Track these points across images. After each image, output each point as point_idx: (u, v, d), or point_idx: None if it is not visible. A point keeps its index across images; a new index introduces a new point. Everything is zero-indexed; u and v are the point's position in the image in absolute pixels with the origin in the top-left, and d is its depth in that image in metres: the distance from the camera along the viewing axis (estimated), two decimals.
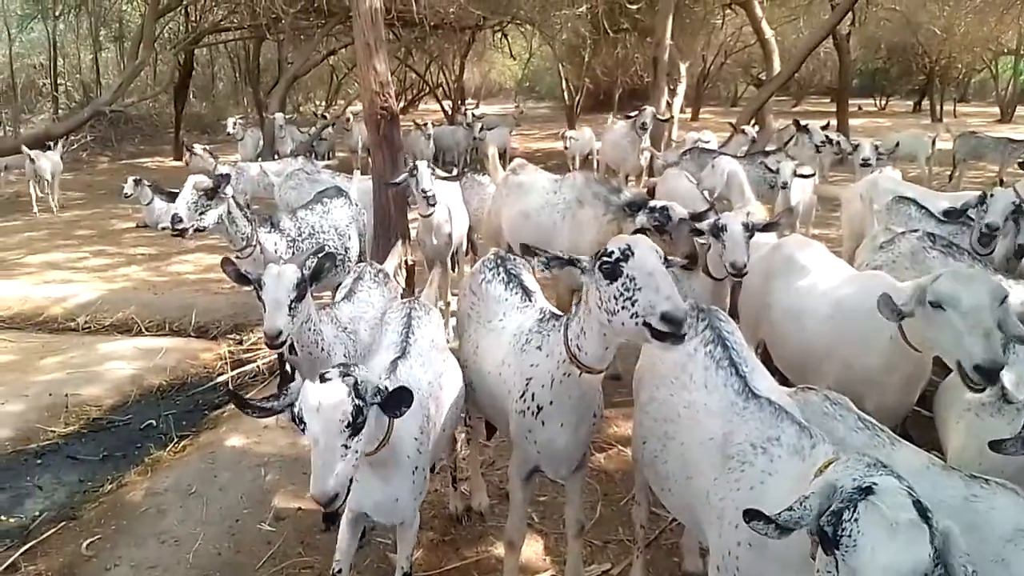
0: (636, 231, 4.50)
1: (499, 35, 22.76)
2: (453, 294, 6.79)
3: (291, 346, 3.75)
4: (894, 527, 1.69)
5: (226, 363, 6.49)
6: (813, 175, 8.26)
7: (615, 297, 2.49)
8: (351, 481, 2.41)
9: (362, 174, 9.18)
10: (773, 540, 2.16)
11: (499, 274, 3.71)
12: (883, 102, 34.91)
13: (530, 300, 3.53)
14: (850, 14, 18.53)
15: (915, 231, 4.59)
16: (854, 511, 1.73)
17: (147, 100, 21.57)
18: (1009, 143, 13.36)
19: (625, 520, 4.11)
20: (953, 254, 4.33)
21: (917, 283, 3.11)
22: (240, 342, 7.05)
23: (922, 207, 5.73)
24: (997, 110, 28.33)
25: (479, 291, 3.72)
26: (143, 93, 21.33)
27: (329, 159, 17.21)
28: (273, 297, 3.50)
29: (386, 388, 2.53)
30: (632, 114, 10.94)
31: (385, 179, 6.30)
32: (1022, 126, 21.82)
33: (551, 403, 2.95)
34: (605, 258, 2.54)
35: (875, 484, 1.77)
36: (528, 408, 3.01)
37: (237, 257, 5.15)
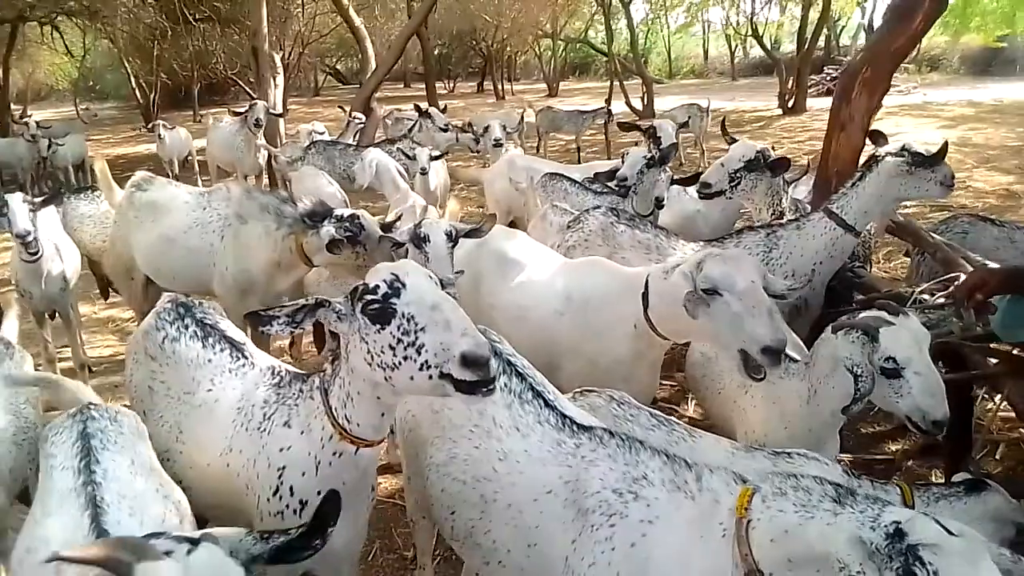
0: (328, 244, 3.85)
1: (49, 28, 19.38)
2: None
3: None
4: (975, 561, 1.47)
5: None
6: (445, 155, 8.30)
7: (391, 347, 1.90)
8: None
9: None
10: None
11: (187, 327, 2.80)
12: (451, 85, 37.53)
13: (245, 357, 2.71)
14: None
15: (598, 207, 4.62)
16: (926, 569, 1.45)
17: None
18: (580, 114, 15.08)
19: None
20: (638, 226, 4.43)
21: (678, 270, 2.93)
22: None
23: (574, 181, 5.93)
24: (545, 87, 32.21)
25: (161, 355, 2.78)
26: None
27: None
28: None
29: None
30: (241, 110, 9.94)
31: None
32: (567, 98, 24.88)
33: (319, 494, 2.23)
34: (369, 296, 1.93)
35: (898, 525, 1.52)
36: (287, 507, 2.26)
37: None
